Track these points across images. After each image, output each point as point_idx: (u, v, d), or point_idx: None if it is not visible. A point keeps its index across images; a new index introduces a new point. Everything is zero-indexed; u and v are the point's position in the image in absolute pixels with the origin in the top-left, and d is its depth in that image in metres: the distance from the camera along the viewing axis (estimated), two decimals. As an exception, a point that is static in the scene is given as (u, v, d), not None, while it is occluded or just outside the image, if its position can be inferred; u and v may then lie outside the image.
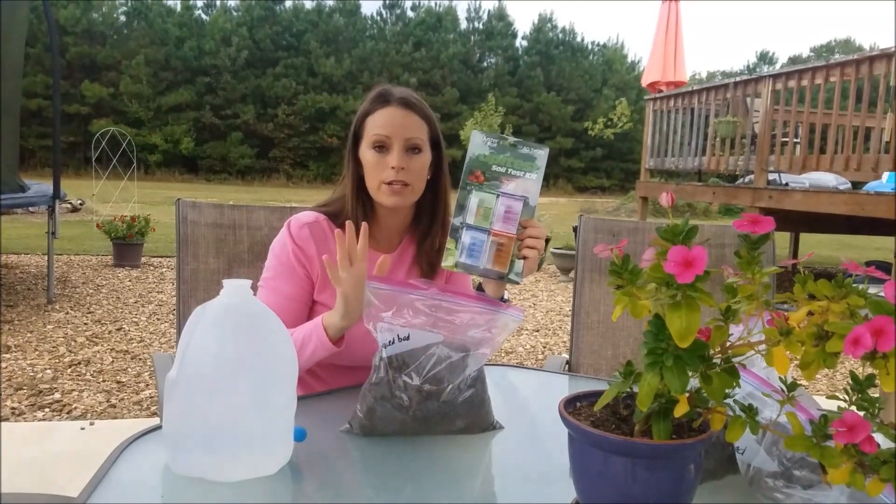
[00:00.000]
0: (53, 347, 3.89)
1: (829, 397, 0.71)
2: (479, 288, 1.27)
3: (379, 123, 1.29)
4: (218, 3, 29.73)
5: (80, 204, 11.33)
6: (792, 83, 6.06)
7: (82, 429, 2.76)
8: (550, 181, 28.35)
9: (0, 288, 5.23)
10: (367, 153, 1.30)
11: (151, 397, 3.18)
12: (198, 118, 27.40)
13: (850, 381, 0.64)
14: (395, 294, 1.03)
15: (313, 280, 1.34)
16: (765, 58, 41.41)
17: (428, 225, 1.40)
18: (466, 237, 1.13)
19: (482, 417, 1.08)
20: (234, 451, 0.87)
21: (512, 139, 1.13)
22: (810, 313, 0.63)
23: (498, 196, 1.13)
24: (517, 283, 1.15)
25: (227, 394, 0.86)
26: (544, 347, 4.52)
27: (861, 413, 0.62)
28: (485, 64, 32.24)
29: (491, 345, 1.05)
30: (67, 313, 4.67)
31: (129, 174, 9.78)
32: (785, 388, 0.69)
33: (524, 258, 1.15)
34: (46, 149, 21.24)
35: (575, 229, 4.60)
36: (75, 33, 25.92)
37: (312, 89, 28.56)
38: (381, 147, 1.29)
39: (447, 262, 1.13)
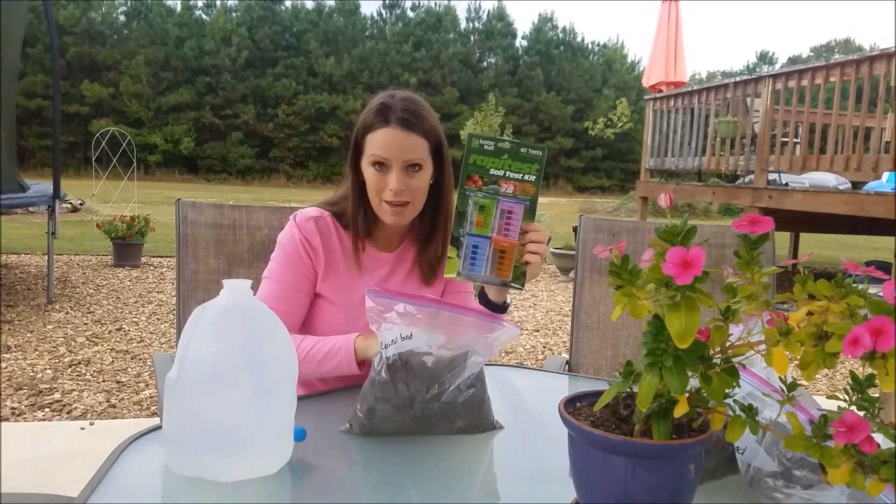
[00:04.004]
0: (53, 347, 3.89)
1: (829, 397, 0.71)
2: (482, 291, 1.27)
3: (377, 144, 1.27)
4: (218, 3, 29.75)
5: (80, 204, 11.33)
6: (792, 83, 6.06)
7: (82, 429, 2.76)
8: (550, 181, 28.38)
9: (0, 288, 5.23)
10: (367, 169, 1.30)
11: (151, 397, 3.18)
12: (198, 118, 27.42)
13: (850, 381, 0.64)
14: (393, 304, 1.02)
15: (317, 271, 1.35)
16: (765, 58, 41.45)
17: (429, 228, 1.39)
18: (468, 246, 1.11)
19: (482, 417, 1.08)
20: (234, 450, 0.87)
21: (509, 140, 1.12)
22: (810, 313, 0.63)
23: (497, 201, 1.11)
24: (520, 288, 1.14)
25: (227, 394, 0.86)
26: (544, 347, 4.52)
27: (861, 413, 0.62)
28: (485, 64, 32.26)
29: (488, 354, 1.05)
30: (67, 313, 4.67)
31: (129, 174, 9.78)
32: (785, 388, 0.69)
33: (527, 264, 1.14)
34: (46, 149, 21.24)
35: (575, 229, 4.60)
36: (75, 33, 25.94)
37: (312, 89, 28.57)
38: (381, 166, 1.28)
39: (450, 271, 1.12)
